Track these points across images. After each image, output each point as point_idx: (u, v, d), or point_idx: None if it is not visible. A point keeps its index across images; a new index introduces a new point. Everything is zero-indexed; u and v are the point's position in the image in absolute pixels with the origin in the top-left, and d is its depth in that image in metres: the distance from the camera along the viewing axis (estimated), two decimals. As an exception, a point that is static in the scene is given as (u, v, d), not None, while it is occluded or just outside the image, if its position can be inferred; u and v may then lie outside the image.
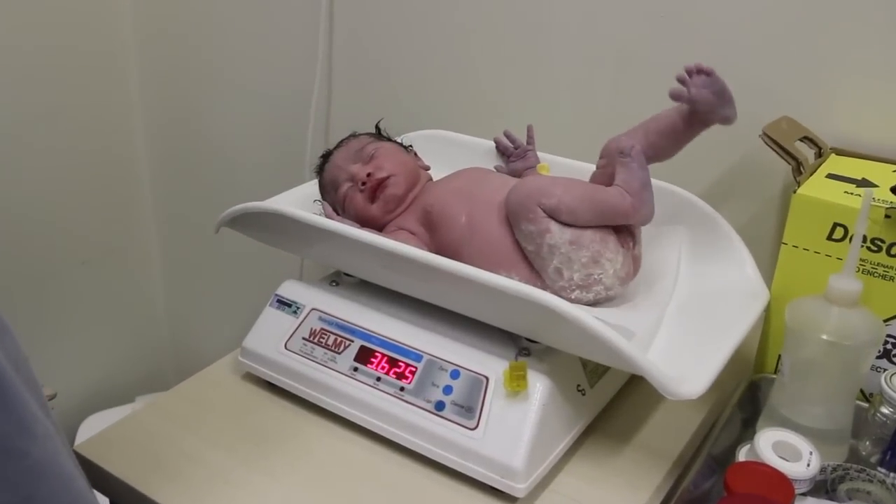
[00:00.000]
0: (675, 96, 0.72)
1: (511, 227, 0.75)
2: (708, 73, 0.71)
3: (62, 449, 0.47)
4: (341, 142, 0.90)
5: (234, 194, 1.08)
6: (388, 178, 0.83)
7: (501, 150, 0.96)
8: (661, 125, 0.74)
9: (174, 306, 1.67)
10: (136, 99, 1.48)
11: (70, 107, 1.38)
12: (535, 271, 0.74)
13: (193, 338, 1.67)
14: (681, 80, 0.72)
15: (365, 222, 0.84)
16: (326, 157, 0.90)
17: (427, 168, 0.89)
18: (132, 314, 1.61)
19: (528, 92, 1.05)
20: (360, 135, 0.91)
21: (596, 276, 0.72)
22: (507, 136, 0.95)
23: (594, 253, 0.71)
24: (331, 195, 0.87)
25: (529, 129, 0.94)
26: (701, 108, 0.72)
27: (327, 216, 0.81)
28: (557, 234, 0.71)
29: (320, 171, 0.90)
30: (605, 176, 0.75)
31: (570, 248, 0.71)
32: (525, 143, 0.94)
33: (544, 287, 0.73)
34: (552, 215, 0.71)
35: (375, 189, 0.83)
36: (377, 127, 0.94)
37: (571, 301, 0.71)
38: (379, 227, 0.84)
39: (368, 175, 0.83)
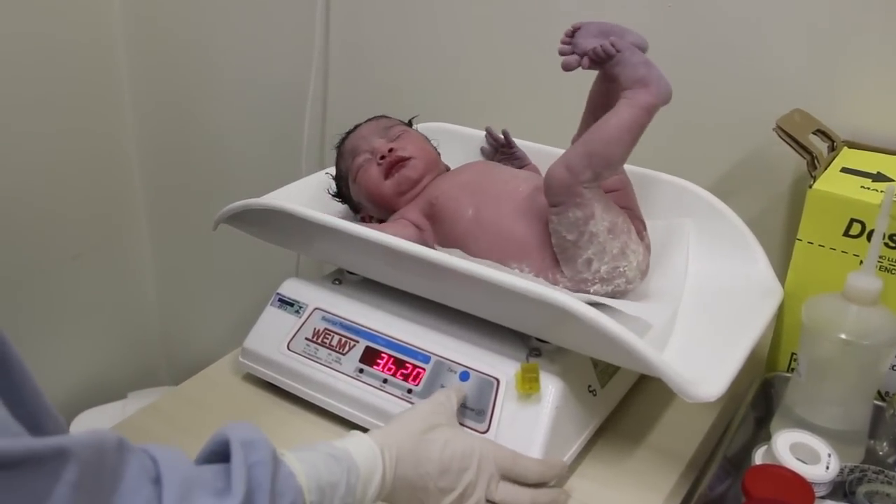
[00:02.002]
0: (566, 65, 0.71)
1: (521, 218, 0.73)
2: (579, 27, 0.71)
3: None
4: (371, 119, 0.90)
5: (227, 189, 1.05)
6: (409, 158, 0.82)
7: (494, 147, 0.93)
8: (599, 106, 0.73)
9: (166, 301, 1.64)
10: (126, 91, 1.45)
11: (60, 100, 1.35)
12: (547, 262, 0.72)
13: (185, 333, 1.65)
14: (563, 52, 0.71)
15: (373, 199, 0.83)
16: (352, 130, 0.89)
17: (447, 168, 0.88)
18: (124, 309, 1.58)
19: (530, 83, 1.03)
20: (391, 118, 0.90)
21: (621, 269, 0.71)
22: (489, 132, 0.93)
23: (622, 244, 0.70)
24: (346, 161, 0.86)
25: (506, 134, 0.91)
26: (602, 59, 0.70)
27: None
28: (599, 221, 0.69)
29: (342, 142, 0.89)
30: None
31: (608, 238, 0.70)
32: (506, 143, 0.91)
33: (556, 280, 0.71)
34: (598, 179, 0.69)
35: (393, 165, 0.82)
36: (409, 121, 0.92)
37: (590, 294, 0.70)
38: (386, 208, 0.83)
39: (390, 150, 0.82)
